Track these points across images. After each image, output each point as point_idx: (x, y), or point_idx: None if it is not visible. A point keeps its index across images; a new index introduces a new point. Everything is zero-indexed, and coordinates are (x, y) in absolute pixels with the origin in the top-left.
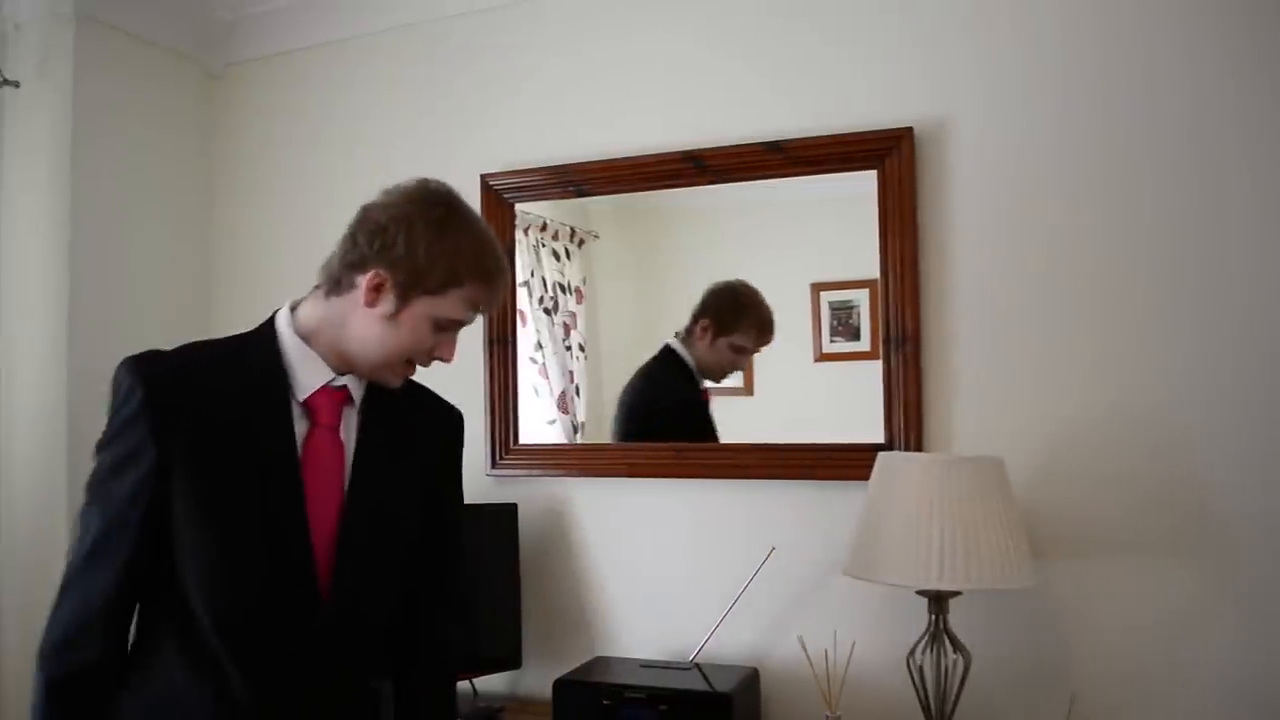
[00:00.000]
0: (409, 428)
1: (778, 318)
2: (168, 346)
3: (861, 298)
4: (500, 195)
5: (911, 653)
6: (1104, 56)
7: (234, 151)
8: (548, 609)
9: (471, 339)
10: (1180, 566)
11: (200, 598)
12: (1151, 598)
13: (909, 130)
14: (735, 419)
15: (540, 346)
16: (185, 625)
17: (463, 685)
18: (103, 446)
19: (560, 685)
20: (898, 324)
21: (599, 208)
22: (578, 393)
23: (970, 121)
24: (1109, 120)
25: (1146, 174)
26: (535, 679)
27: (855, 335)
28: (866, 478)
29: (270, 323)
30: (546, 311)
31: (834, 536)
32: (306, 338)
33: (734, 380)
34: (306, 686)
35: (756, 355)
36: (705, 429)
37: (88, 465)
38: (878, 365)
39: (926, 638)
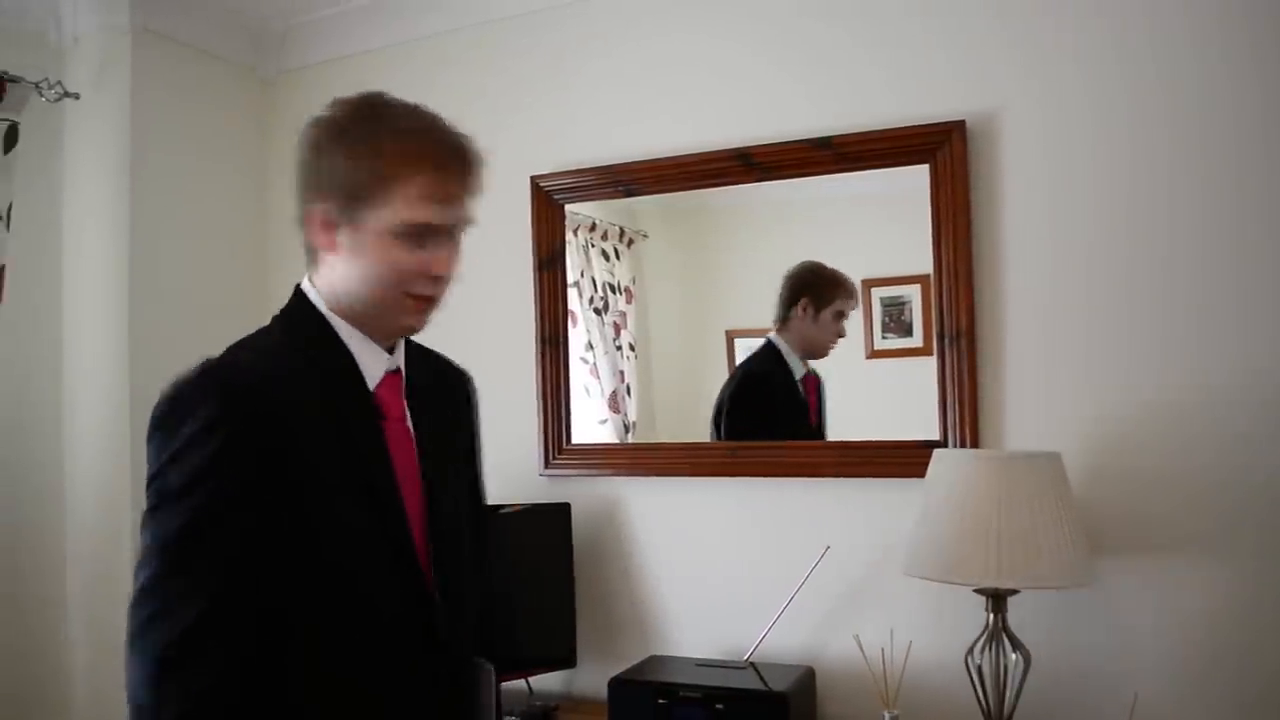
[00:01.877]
0: (441, 397)
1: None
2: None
3: (913, 293)
4: (550, 196)
5: (970, 652)
6: (1156, 46)
7: (289, 157)
8: (602, 608)
9: (523, 339)
10: (1243, 565)
11: (330, 630)
12: (1215, 597)
13: (961, 123)
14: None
15: (591, 346)
16: (298, 656)
17: (518, 683)
18: (183, 490)
19: (615, 684)
20: (952, 319)
21: (647, 207)
22: (629, 392)
23: (1022, 113)
24: (1163, 111)
25: (1202, 166)
26: (590, 678)
27: (907, 331)
28: (921, 475)
29: (308, 304)
30: (597, 311)
31: (889, 535)
32: (340, 314)
33: None
34: (430, 686)
35: None
36: (802, 415)
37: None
38: (930, 361)
39: (985, 637)
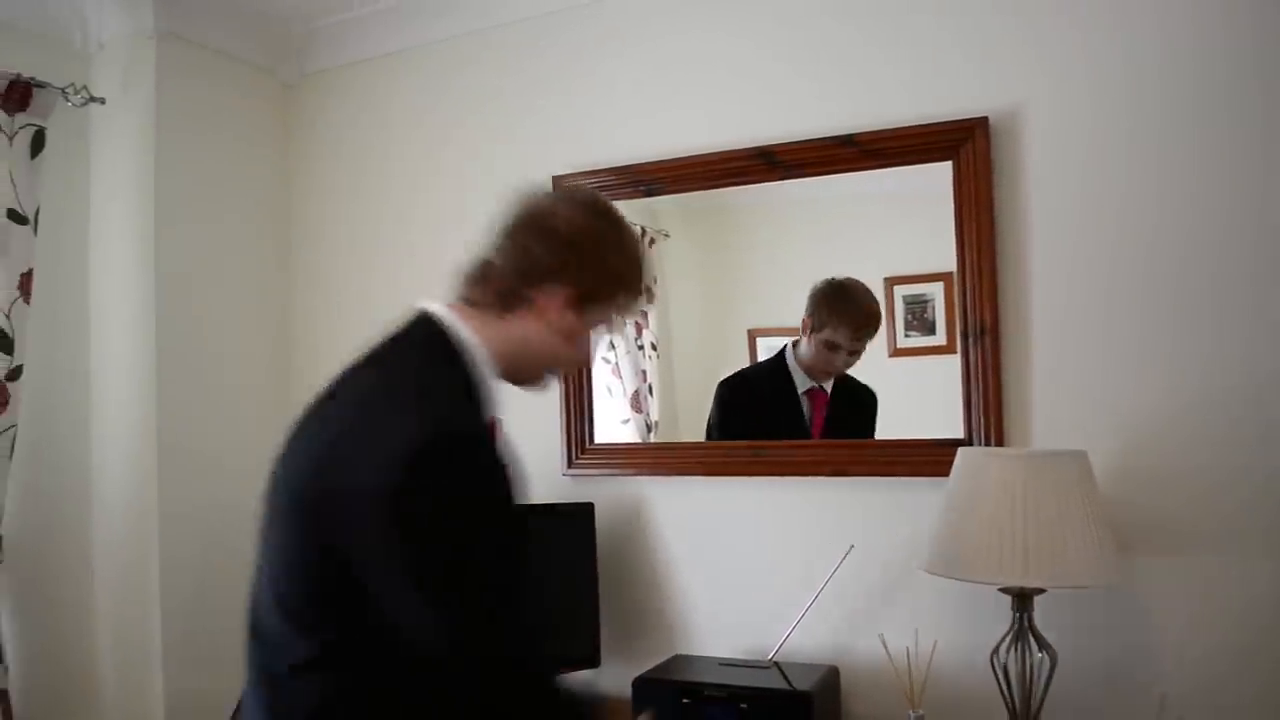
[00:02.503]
0: None
1: None
2: (251, 351)
3: (936, 291)
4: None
5: (995, 651)
6: (1180, 39)
7: (311, 158)
8: (625, 608)
9: None
10: (1274, 564)
11: None
12: (1244, 596)
13: (984, 120)
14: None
15: (613, 346)
16: None
17: None
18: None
19: (640, 684)
20: (976, 317)
21: (668, 207)
22: (650, 392)
23: (1045, 110)
24: (1187, 104)
25: (1228, 160)
26: (614, 677)
27: (930, 329)
28: (945, 474)
29: (454, 345)
30: None
31: (913, 534)
32: (495, 364)
33: None
34: None
35: None
36: (795, 426)
37: (177, 470)
38: (953, 359)
39: (1010, 636)
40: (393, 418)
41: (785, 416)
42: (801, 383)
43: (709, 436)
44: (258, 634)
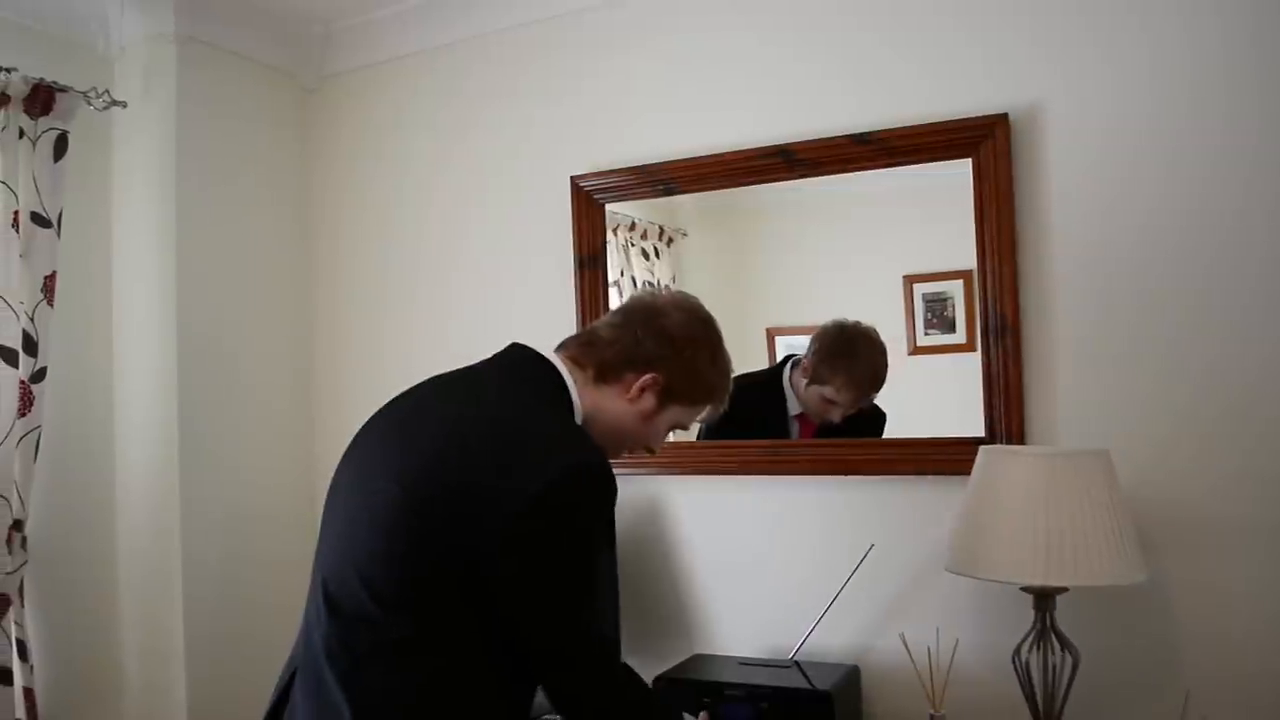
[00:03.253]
0: None
1: (871, 311)
2: (271, 351)
3: (955, 289)
4: (590, 196)
5: (1017, 651)
6: (1202, 34)
7: (330, 160)
8: (645, 607)
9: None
10: None
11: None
12: (1269, 595)
13: (1004, 116)
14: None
15: None
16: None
17: None
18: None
19: (660, 683)
20: (996, 315)
21: (686, 206)
22: None
23: (1065, 106)
24: (1209, 102)
25: (1251, 156)
26: None
27: (950, 327)
28: (966, 472)
29: (570, 405)
30: None
31: (934, 532)
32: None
33: None
34: None
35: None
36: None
37: (199, 469)
38: (973, 357)
39: (1033, 635)
40: (540, 439)
41: (771, 435)
42: (794, 406)
43: (698, 436)
44: (337, 613)
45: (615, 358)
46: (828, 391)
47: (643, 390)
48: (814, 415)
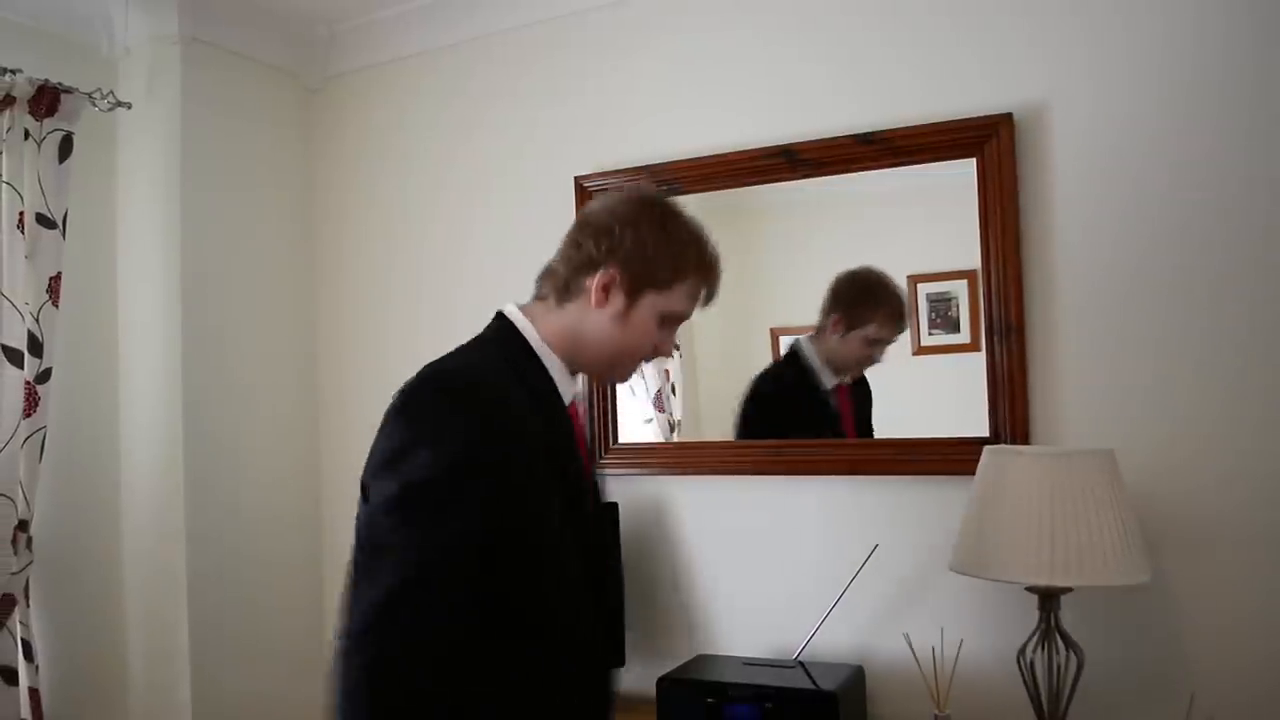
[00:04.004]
0: None
1: None
2: (276, 351)
3: (960, 289)
4: (594, 196)
5: (1022, 651)
6: (1205, 36)
7: (334, 161)
8: (650, 607)
9: None
10: None
11: (545, 620)
12: (1274, 594)
13: (1008, 116)
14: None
15: None
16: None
17: None
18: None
19: (664, 683)
20: (1001, 315)
21: (690, 206)
22: (673, 391)
23: (1069, 105)
24: (1213, 101)
25: (1256, 155)
26: (638, 677)
27: (955, 327)
28: (971, 472)
29: (518, 334)
30: None
31: (938, 533)
32: (551, 348)
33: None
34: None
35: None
36: (832, 427)
37: (204, 469)
38: (977, 357)
39: (1037, 635)
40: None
41: (818, 417)
42: (828, 380)
43: (739, 435)
44: None
45: (567, 271)
46: (870, 331)
47: (605, 290)
48: (856, 366)
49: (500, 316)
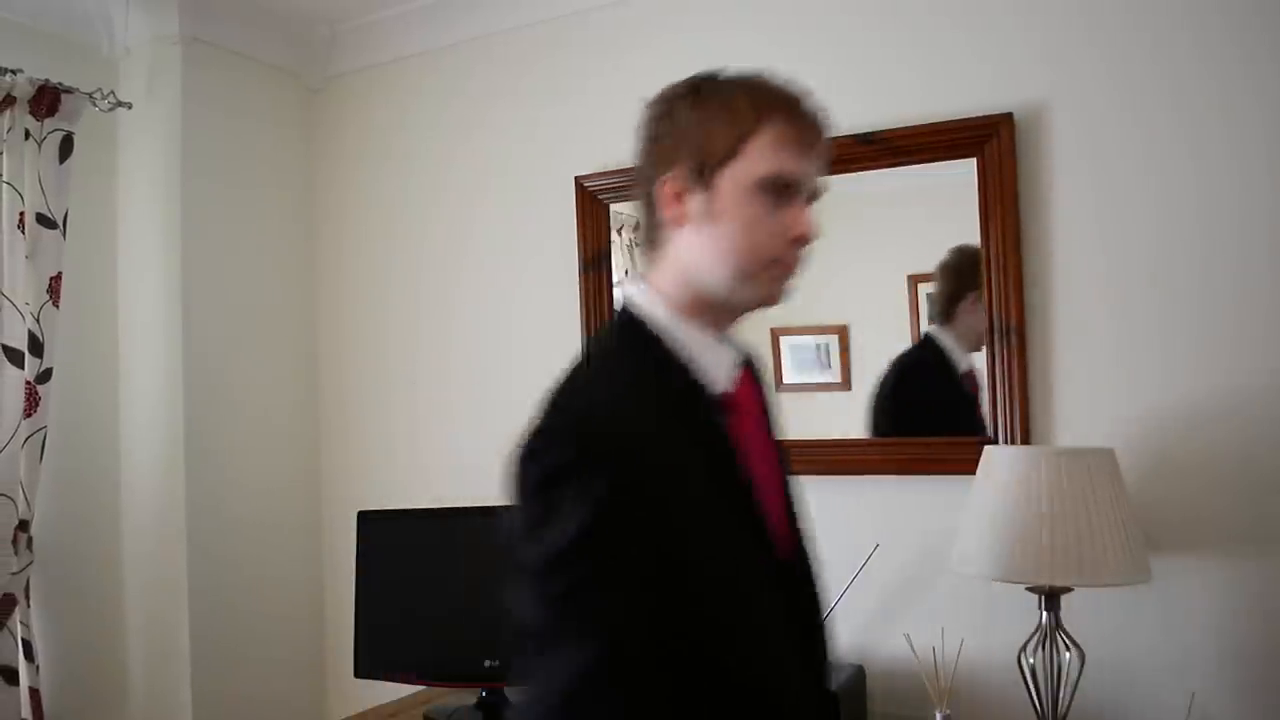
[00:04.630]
0: (764, 386)
1: (876, 311)
2: (276, 352)
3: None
4: (595, 196)
5: (1023, 650)
6: (1204, 36)
7: (335, 161)
8: None
9: (570, 340)
10: None
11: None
12: (1274, 594)
13: (1009, 116)
14: (834, 414)
15: None
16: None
17: None
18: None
19: None
20: (1001, 315)
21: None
22: None
23: (1070, 106)
24: (1214, 101)
25: (1256, 156)
26: None
27: None
28: (971, 471)
29: (639, 326)
30: None
31: (939, 532)
32: (680, 315)
33: (831, 374)
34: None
35: (854, 347)
36: (970, 411)
37: (205, 470)
38: (978, 357)
39: (1038, 635)
40: None
41: (958, 404)
42: (962, 363)
43: (876, 425)
44: None
45: (643, 216)
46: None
47: (677, 199)
48: (977, 341)
49: (622, 310)
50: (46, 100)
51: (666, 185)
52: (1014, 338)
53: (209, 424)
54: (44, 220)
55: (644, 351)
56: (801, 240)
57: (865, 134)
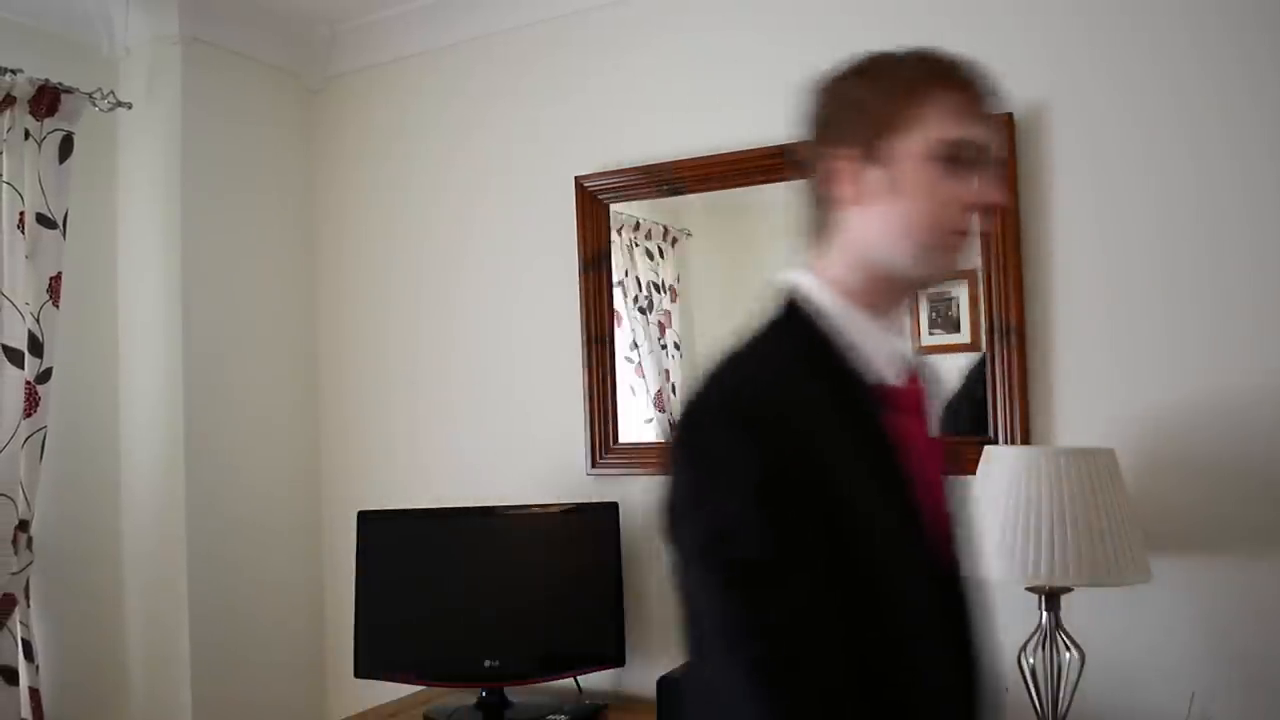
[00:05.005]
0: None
1: None
2: (276, 352)
3: (960, 289)
4: (595, 196)
5: (1023, 650)
6: (1203, 36)
7: (335, 161)
8: (650, 607)
9: (569, 339)
10: None
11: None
12: (1274, 594)
13: (1008, 116)
14: None
15: (636, 345)
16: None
17: (566, 682)
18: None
19: (664, 683)
20: (1001, 315)
21: (690, 206)
22: (674, 391)
23: (1069, 106)
24: (1212, 101)
25: (1255, 156)
26: (638, 676)
27: (955, 327)
28: (971, 471)
29: (801, 312)
30: (641, 310)
31: None
32: (850, 301)
33: None
34: None
35: None
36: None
37: (205, 470)
38: (977, 357)
39: (1038, 635)
40: None
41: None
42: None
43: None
44: None
45: (811, 201)
46: None
47: (850, 178)
48: None
49: (784, 294)
50: (46, 100)
51: (839, 163)
52: (1014, 338)
53: (209, 424)
54: (44, 220)
55: (803, 333)
56: (986, 207)
57: None
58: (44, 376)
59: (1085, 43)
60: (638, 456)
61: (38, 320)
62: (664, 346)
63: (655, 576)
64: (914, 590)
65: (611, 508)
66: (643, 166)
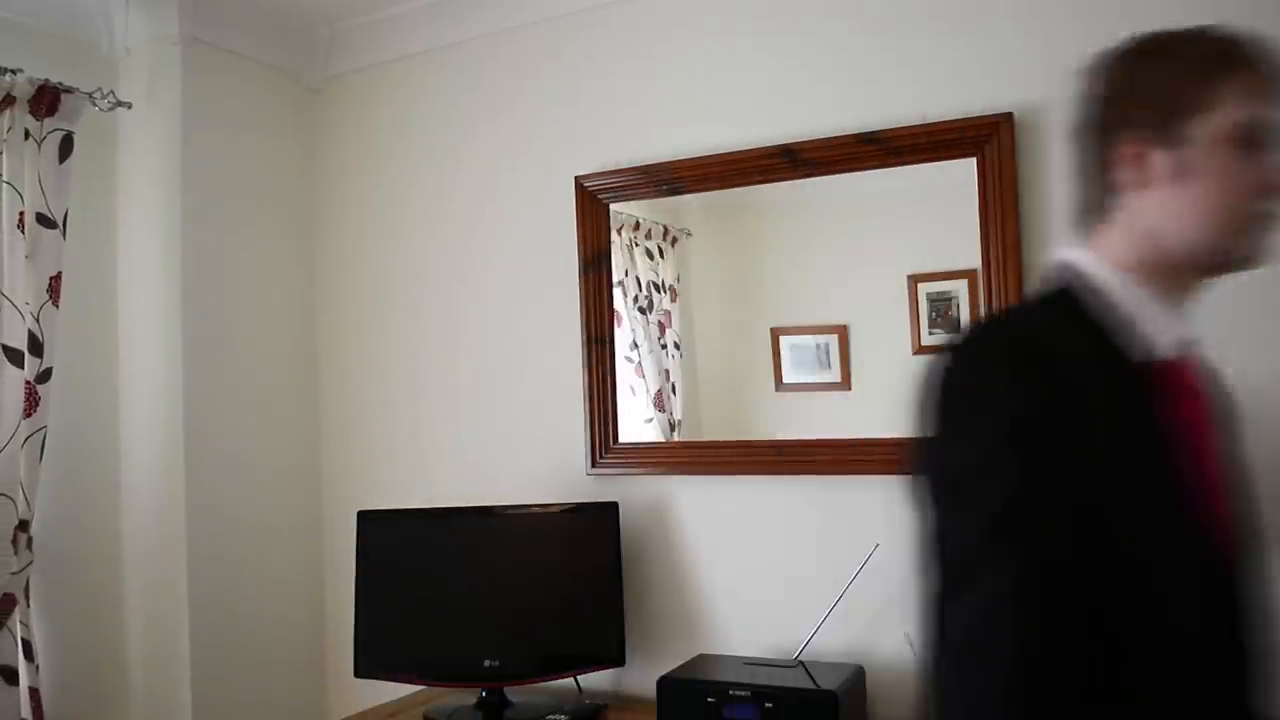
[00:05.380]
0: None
1: (875, 310)
2: (276, 352)
3: (960, 289)
4: (595, 196)
5: None
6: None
7: (335, 161)
8: (650, 607)
9: (569, 339)
10: None
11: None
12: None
13: (1009, 115)
14: (834, 414)
15: (636, 345)
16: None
17: (566, 682)
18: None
19: (664, 683)
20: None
21: (691, 205)
22: (674, 391)
23: (1070, 106)
24: None
25: None
26: (639, 676)
27: (955, 327)
28: None
29: (1082, 279)
30: (641, 310)
31: None
32: (1132, 278)
33: (831, 374)
34: None
35: (854, 347)
36: None
37: (205, 470)
38: None
39: None
40: None
41: None
42: None
43: None
44: None
45: (1091, 181)
46: None
47: (1140, 161)
48: None
49: (1061, 270)
50: (46, 100)
51: (1127, 145)
52: None
53: (209, 424)
54: (44, 220)
55: (1078, 304)
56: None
57: (866, 134)
58: (44, 376)
59: (1085, 42)
60: (638, 456)
61: (38, 320)
62: (664, 346)
63: (655, 576)
64: (1177, 579)
65: (611, 507)
66: (642, 166)
